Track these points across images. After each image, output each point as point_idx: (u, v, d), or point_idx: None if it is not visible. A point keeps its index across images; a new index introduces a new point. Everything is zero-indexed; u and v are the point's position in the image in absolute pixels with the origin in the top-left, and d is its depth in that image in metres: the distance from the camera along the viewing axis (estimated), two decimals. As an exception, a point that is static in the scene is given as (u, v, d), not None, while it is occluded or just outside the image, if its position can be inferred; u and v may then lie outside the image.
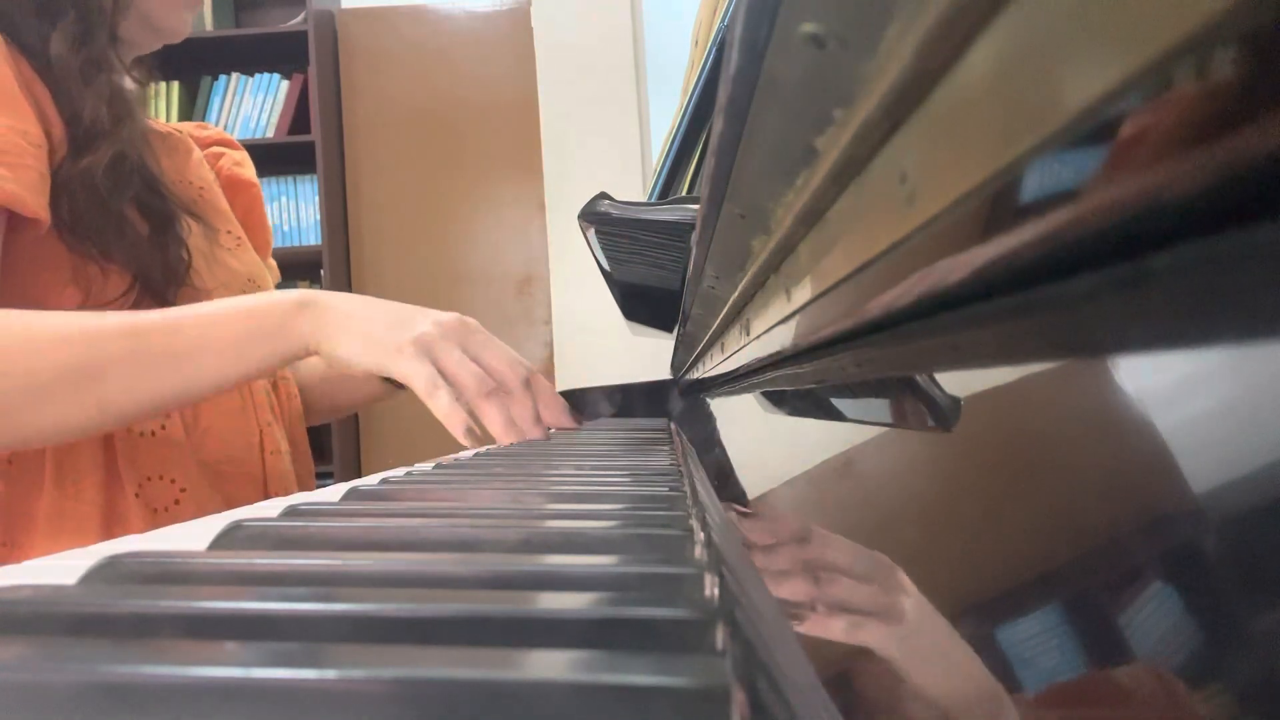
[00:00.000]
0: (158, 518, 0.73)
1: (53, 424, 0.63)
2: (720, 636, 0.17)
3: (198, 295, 0.75)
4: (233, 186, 0.91)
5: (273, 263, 0.94)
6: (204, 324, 0.65)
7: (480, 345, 0.68)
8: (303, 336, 0.67)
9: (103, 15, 0.73)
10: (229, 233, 0.85)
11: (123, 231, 0.71)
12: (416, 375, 0.65)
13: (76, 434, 0.67)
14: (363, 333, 0.66)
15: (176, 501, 0.75)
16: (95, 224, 0.69)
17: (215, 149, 0.92)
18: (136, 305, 0.72)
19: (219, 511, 0.77)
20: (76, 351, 0.62)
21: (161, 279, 0.73)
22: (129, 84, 0.78)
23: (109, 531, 0.72)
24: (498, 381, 0.68)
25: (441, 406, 0.65)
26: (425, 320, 0.68)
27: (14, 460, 0.72)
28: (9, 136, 0.65)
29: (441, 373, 0.66)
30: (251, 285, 0.84)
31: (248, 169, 0.94)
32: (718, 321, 0.53)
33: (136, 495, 0.73)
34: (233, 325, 0.66)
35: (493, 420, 0.67)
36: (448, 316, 0.69)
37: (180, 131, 0.88)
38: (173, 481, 0.75)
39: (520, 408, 0.69)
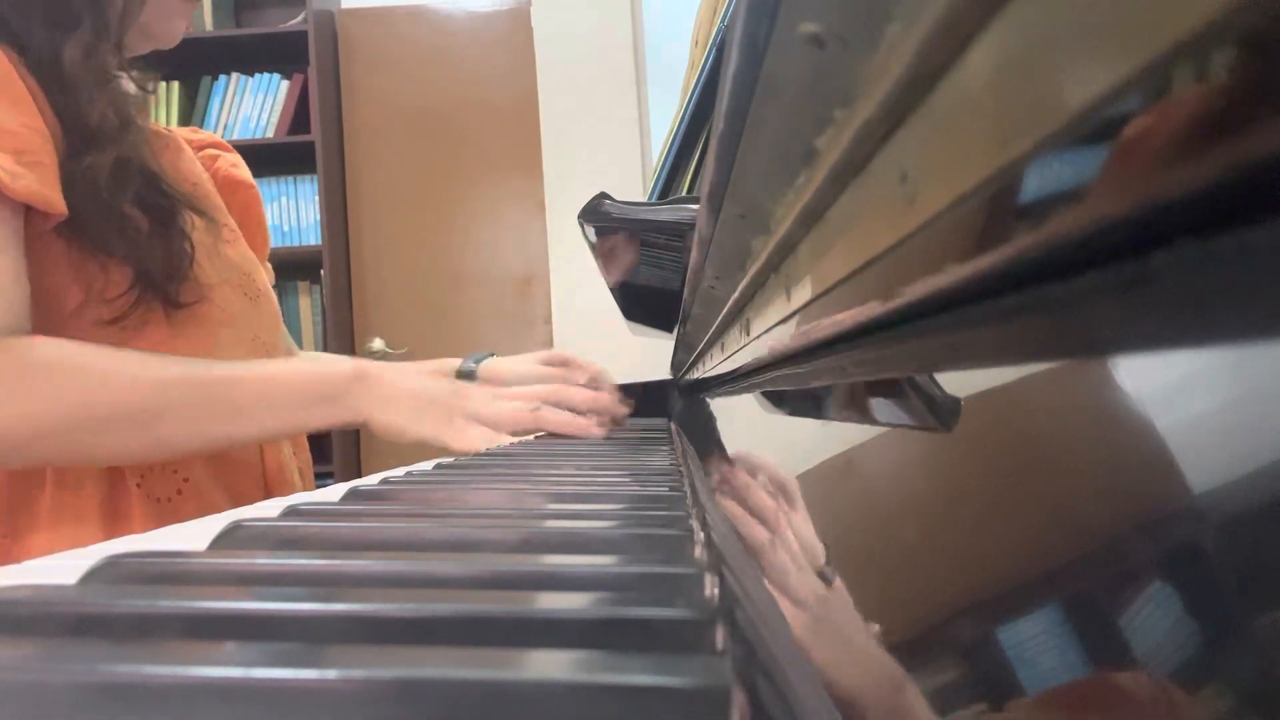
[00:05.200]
0: (159, 508, 0.74)
1: (108, 453, 0.69)
2: (720, 636, 0.17)
3: (200, 289, 0.76)
4: (230, 187, 0.91)
5: (268, 265, 0.95)
6: (263, 382, 0.72)
7: (508, 394, 0.79)
8: (356, 409, 0.74)
9: (112, 26, 0.74)
10: (226, 225, 0.85)
11: (123, 228, 0.72)
12: (473, 441, 0.73)
13: (130, 462, 0.72)
14: (415, 407, 0.74)
15: (179, 492, 0.75)
16: (94, 220, 0.70)
17: (210, 151, 0.93)
18: (139, 302, 0.72)
19: (221, 502, 0.78)
20: (144, 393, 0.68)
21: (163, 273, 0.73)
22: (132, 89, 0.79)
23: (110, 522, 0.72)
24: (539, 399, 0.78)
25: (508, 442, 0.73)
26: (468, 393, 0.77)
27: None
28: (25, 135, 0.66)
29: (496, 425, 0.75)
30: (246, 279, 0.84)
31: (244, 170, 0.95)
32: (718, 321, 0.53)
33: (138, 486, 0.73)
34: (289, 387, 0.73)
35: (553, 423, 0.77)
36: (487, 389, 0.80)
37: (172, 133, 0.88)
38: (175, 472, 0.75)
39: (568, 406, 0.79)
